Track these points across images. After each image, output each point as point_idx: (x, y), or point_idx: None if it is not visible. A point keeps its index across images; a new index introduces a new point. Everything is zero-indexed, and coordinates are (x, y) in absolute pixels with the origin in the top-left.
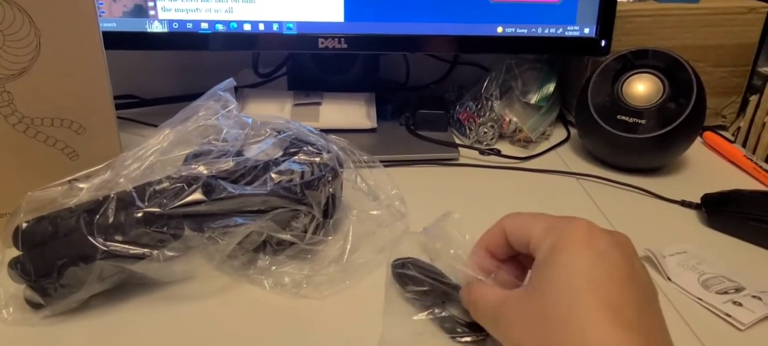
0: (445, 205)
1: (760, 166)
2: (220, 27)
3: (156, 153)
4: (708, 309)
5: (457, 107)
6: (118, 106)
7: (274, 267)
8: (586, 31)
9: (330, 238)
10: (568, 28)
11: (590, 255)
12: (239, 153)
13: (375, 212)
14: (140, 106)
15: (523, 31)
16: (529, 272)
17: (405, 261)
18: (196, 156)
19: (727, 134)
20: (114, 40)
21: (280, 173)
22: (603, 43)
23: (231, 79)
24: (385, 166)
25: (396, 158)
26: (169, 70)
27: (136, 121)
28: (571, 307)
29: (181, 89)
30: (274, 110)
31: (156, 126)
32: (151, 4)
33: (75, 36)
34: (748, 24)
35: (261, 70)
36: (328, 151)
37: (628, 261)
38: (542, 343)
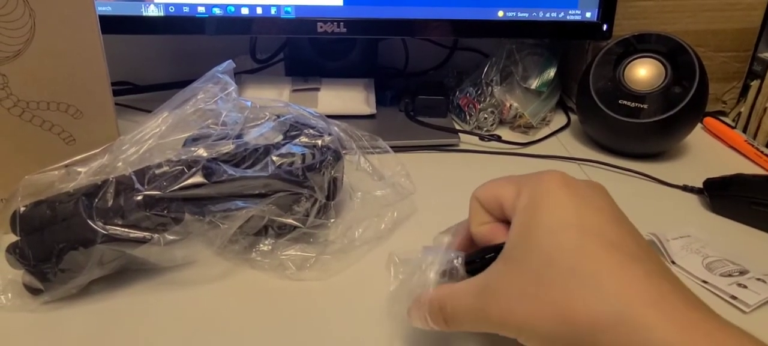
0: (445, 191)
1: (761, 151)
2: (217, 10)
3: (154, 137)
4: (713, 292)
5: (457, 93)
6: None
7: (276, 251)
8: (588, 15)
9: (332, 220)
10: (570, 12)
11: (573, 201)
12: (239, 137)
13: (380, 193)
14: (134, 93)
15: (524, 15)
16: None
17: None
18: (195, 140)
19: (728, 120)
20: (109, 24)
21: (281, 156)
22: (605, 27)
23: (230, 60)
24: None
25: (396, 144)
26: (163, 57)
27: (131, 107)
28: (571, 256)
29: (176, 76)
30: (272, 96)
31: (151, 112)
32: None
33: (70, 18)
34: (750, 9)
35: (258, 55)
36: (330, 134)
37: (611, 201)
38: (548, 303)
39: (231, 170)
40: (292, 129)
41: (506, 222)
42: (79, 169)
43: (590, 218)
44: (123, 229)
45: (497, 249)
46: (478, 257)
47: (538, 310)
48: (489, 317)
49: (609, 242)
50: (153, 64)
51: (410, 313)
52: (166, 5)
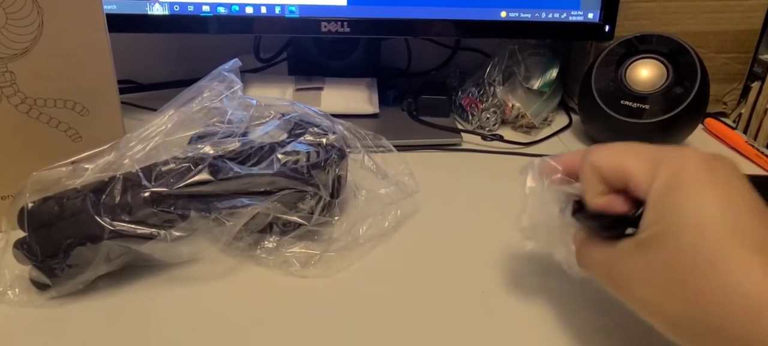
0: (448, 190)
1: (762, 153)
2: (221, 9)
3: (160, 134)
4: None
5: (459, 93)
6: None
7: (280, 248)
8: (590, 16)
9: (336, 218)
10: (572, 13)
11: (716, 192)
12: (244, 135)
13: (383, 191)
14: (138, 92)
15: (526, 15)
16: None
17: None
18: (200, 137)
19: (729, 121)
20: (114, 23)
21: (286, 153)
22: (607, 28)
23: (236, 59)
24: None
25: (398, 143)
26: (167, 56)
27: (135, 106)
28: (715, 254)
29: (180, 74)
30: (276, 95)
31: (155, 110)
32: None
33: (78, 15)
34: (751, 10)
35: (262, 54)
36: (334, 132)
37: (749, 187)
38: (682, 299)
39: (237, 168)
40: (297, 127)
41: (624, 192)
42: (86, 166)
43: (734, 215)
44: (130, 225)
45: (629, 221)
46: (616, 226)
47: (671, 302)
48: (617, 290)
49: (752, 243)
50: (157, 63)
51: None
52: (171, 4)
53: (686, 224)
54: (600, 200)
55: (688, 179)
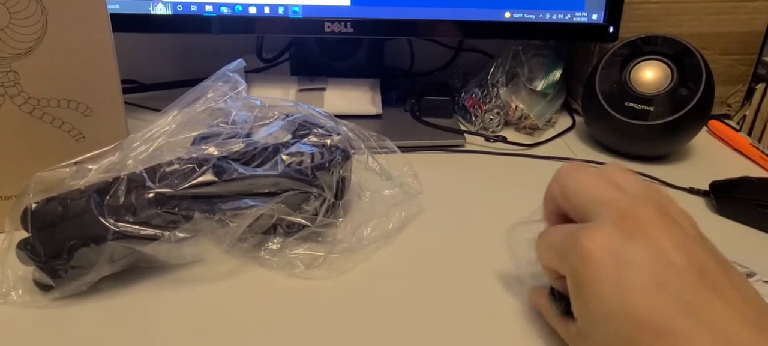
0: (452, 191)
1: (767, 154)
2: (224, 9)
3: (164, 135)
4: None
5: (463, 94)
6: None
7: (284, 250)
8: (594, 17)
9: (341, 220)
10: (576, 14)
11: (615, 274)
12: (248, 136)
13: (388, 192)
14: (141, 92)
15: (530, 16)
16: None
17: None
18: (204, 138)
19: (733, 123)
20: (117, 22)
21: (290, 155)
22: (611, 29)
23: (241, 59)
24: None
25: (401, 144)
26: (170, 55)
27: (138, 106)
28: (650, 317)
29: (183, 75)
30: (279, 96)
31: (159, 111)
32: None
33: (82, 16)
34: (756, 12)
35: (265, 55)
36: (338, 133)
37: (634, 245)
38: None
39: (241, 169)
40: (301, 128)
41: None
42: (90, 167)
43: (629, 293)
44: (134, 226)
45: None
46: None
47: None
48: None
49: (682, 300)
50: (160, 63)
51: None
52: (174, 4)
53: (598, 321)
54: (556, 283)
55: (583, 274)
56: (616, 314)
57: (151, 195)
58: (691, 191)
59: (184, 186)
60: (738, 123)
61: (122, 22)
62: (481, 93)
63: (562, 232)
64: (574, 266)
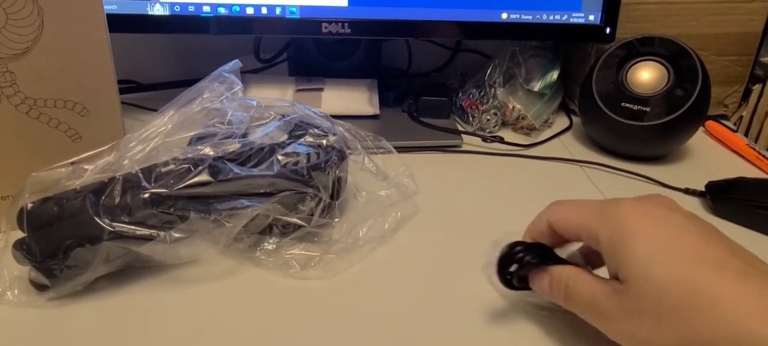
0: (449, 192)
1: (763, 155)
2: (222, 10)
3: (160, 135)
4: None
5: (460, 94)
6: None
7: (280, 250)
8: (591, 18)
9: (336, 220)
10: (573, 14)
11: (661, 231)
12: (244, 136)
13: (384, 193)
14: (138, 92)
15: (527, 17)
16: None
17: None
18: (200, 138)
19: (730, 123)
20: (115, 23)
21: (286, 155)
22: (608, 30)
23: (237, 60)
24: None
25: (398, 145)
26: (167, 56)
27: (135, 106)
28: (683, 288)
29: (180, 75)
30: (276, 96)
31: (156, 111)
32: None
33: (78, 16)
34: (753, 13)
35: (262, 55)
36: (334, 134)
37: (687, 215)
38: (668, 334)
39: (237, 169)
40: (297, 129)
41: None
42: (86, 167)
43: (686, 245)
44: (129, 226)
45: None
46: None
47: (658, 340)
48: (605, 328)
49: (715, 266)
50: (157, 63)
51: (532, 278)
52: (172, 4)
53: (644, 271)
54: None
55: (629, 230)
56: (661, 261)
57: (146, 195)
58: (687, 191)
59: (180, 186)
60: (735, 124)
61: (120, 23)
62: (479, 93)
63: (594, 204)
64: (612, 216)
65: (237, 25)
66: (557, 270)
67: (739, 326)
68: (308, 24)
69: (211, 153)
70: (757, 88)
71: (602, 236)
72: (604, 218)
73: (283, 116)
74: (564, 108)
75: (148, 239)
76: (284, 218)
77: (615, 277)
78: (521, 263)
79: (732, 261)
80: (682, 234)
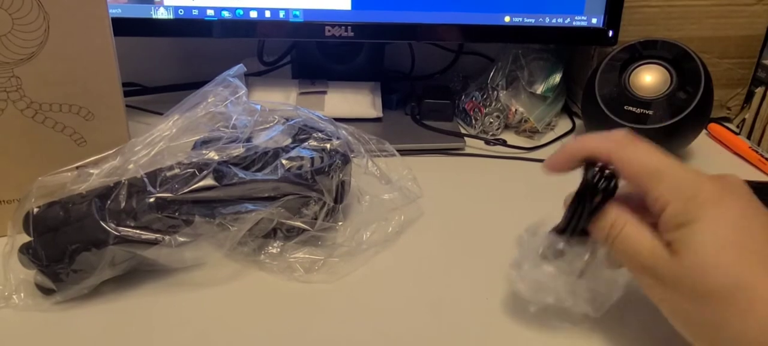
0: (452, 195)
1: (766, 158)
2: (226, 14)
3: (165, 139)
4: None
5: (463, 97)
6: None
7: (284, 253)
8: (594, 21)
9: (340, 223)
10: (576, 18)
11: (729, 221)
12: (248, 140)
13: (387, 196)
14: (143, 95)
15: (530, 20)
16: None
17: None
18: (205, 143)
19: (732, 126)
20: (119, 27)
21: (290, 159)
22: (610, 33)
23: (241, 65)
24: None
25: (401, 148)
26: (172, 59)
27: (139, 109)
28: (728, 277)
29: (184, 78)
30: (279, 99)
31: (160, 114)
32: None
33: (84, 20)
34: (755, 16)
35: (266, 58)
36: (338, 138)
37: (759, 208)
38: (702, 322)
39: (241, 173)
40: (301, 133)
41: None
42: (91, 171)
43: (749, 237)
44: (135, 230)
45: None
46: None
47: (695, 319)
48: (650, 291)
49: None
50: (161, 66)
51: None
52: (176, 8)
53: (708, 254)
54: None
55: (704, 213)
56: (729, 244)
57: (151, 200)
58: None
59: (185, 190)
60: (737, 126)
61: (124, 26)
62: (481, 96)
63: (668, 171)
64: (692, 195)
65: (240, 28)
66: (623, 214)
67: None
68: (311, 27)
69: (216, 157)
70: (759, 90)
71: (672, 207)
72: (682, 191)
73: (287, 120)
74: (567, 111)
75: (153, 242)
76: (288, 221)
77: (667, 244)
78: (607, 192)
79: None
80: (746, 226)
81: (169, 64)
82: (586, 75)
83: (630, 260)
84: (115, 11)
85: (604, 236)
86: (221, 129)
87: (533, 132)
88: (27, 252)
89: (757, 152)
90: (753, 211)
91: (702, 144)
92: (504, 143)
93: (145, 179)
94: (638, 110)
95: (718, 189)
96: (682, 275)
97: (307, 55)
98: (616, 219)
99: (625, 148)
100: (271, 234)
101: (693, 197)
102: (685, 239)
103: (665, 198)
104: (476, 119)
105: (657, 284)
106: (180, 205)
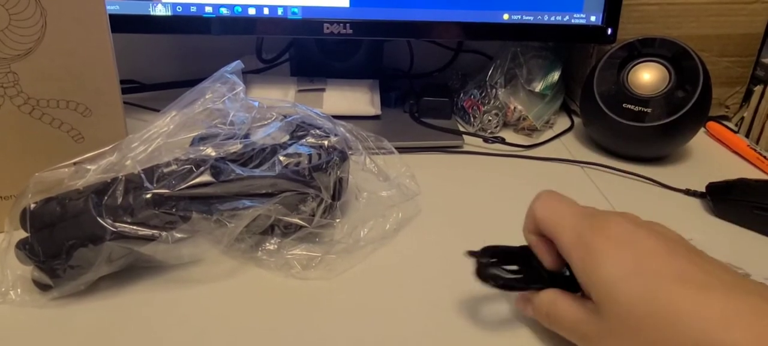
0: (450, 193)
1: (764, 156)
2: (224, 10)
3: (162, 136)
4: None
5: (461, 95)
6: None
7: (282, 250)
8: (593, 19)
9: (338, 220)
10: (575, 15)
11: (625, 251)
12: (246, 137)
13: (385, 193)
14: (141, 92)
15: (529, 18)
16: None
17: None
18: (202, 139)
19: (731, 124)
20: (117, 23)
21: (288, 156)
22: (609, 31)
23: (238, 61)
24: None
25: (400, 145)
26: (170, 56)
27: (137, 106)
28: (647, 305)
29: (183, 75)
30: (278, 96)
31: (158, 111)
32: None
33: (81, 16)
34: (754, 14)
35: (264, 55)
36: (336, 135)
37: (652, 230)
38: None
39: (238, 170)
40: (299, 129)
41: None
42: (88, 167)
43: (653, 265)
44: (132, 226)
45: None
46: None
47: None
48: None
49: (677, 278)
50: (159, 63)
51: (518, 303)
52: (174, 5)
53: (614, 293)
54: (530, 238)
55: (596, 250)
56: (631, 273)
57: (148, 196)
58: (688, 192)
59: (182, 187)
60: (736, 125)
61: (122, 23)
62: (480, 94)
63: (573, 222)
64: (586, 242)
65: (239, 25)
66: (538, 298)
67: (700, 339)
68: (310, 24)
69: (213, 154)
70: (758, 89)
71: (575, 262)
72: (577, 242)
73: (285, 117)
74: (565, 109)
75: (150, 239)
76: (286, 218)
77: (589, 297)
78: (497, 285)
79: (695, 274)
80: (645, 251)
81: (166, 61)
82: (584, 73)
83: (571, 334)
84: (113, 7)
85: (543, 317)
86: (219, 126)
87: (532, 130)
88: (24, 248)
89: (755, 150)
90: (644, 232)
91: (700, 142)
92: (502, 141)
93: (142, 175)
94: (636, 108)
95: (600, 229)
96: (610, 328)
97: (306, 53)
98: (539, 306)
99: (535, 210)
100: (269, 231)
101: (585, 245)
102: (594, 287)
103: (569, 257)
104: (475, 117)
105: (601, 341)
106: (177, 201)
